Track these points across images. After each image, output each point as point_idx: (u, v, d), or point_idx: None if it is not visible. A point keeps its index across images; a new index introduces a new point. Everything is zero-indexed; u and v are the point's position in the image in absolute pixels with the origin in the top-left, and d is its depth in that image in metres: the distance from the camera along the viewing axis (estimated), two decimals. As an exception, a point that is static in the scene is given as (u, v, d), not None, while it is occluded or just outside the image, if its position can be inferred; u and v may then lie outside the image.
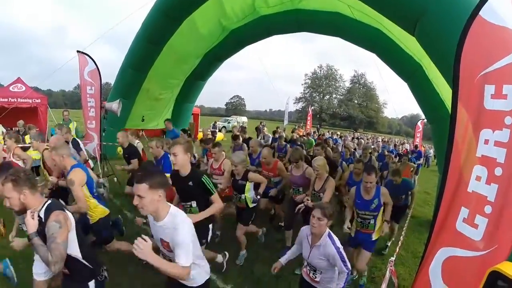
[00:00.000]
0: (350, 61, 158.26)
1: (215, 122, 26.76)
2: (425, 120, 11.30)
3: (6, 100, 13.40)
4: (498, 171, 2.28)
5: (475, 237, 2.36)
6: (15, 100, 13.23)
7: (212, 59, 12.50)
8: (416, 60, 7.77)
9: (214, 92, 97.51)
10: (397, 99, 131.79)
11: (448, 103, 3.53)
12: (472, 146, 2.49)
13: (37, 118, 14.53)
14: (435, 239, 2.72)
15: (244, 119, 41.21)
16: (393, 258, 3.15)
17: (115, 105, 8.82)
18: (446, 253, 2.57)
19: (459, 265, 2.45)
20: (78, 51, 8.76)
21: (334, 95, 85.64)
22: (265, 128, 18.26)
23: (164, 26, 9.37)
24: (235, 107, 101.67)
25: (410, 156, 12.49)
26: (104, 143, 9.27)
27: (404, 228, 6.03)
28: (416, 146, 16.69)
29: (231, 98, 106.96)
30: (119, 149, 7.64)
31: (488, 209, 2.29)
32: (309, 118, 28.04)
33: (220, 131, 25.05)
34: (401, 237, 5.16)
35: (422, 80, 7.66)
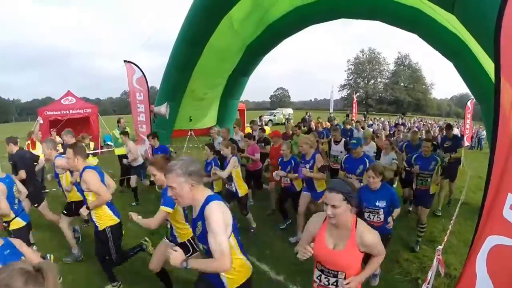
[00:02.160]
0: (393, 42, 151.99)
1: (261, 116, 26.88)
2: (475, 100, 10.79)
3: (59, 113, 14.52)
4: None
5: None
6: (68, 112, 14.27)
7: (253, 54, 12.59)
8: (461, 38, 7.42)
9: (258, 86, 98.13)
10: (445, 79, 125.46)
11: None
12: None
13: (90, 127, 15.54)
14: (482, 227, 2.61)
15: (289, 111, 40.97)
16: (440, 247, 3.15)
17: (163, 109, 9.25)
18: (492, 242, 2.44)
19: (504, 255, 2.32)
20: (125, 61, 9.25)
21: (379, 79, 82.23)
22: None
23: (203, 26, 9.53)
24: (279, 99, 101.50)
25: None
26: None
27: (454, 215, 5.94)
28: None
29: (275, 91, 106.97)
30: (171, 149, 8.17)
31: None
32: (354, 105, 27.36)
33: (266, 124, 25.11)
34: (450, 225, 5.11)
35: (468, 59, 7.35)
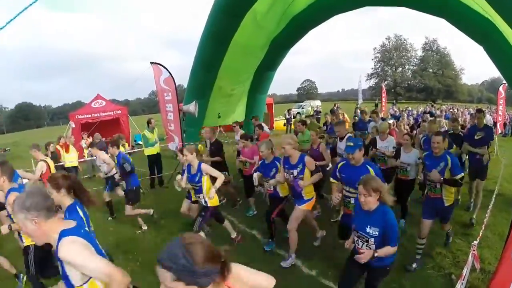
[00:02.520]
0: (419, 27, 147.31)
1: (290, 109, 26.87)
2: (507, 85, 10.38)
3: (90, 116, 15.07)
4: None
5: None
6: (98, 115, 14.80)
7: (278, 48, 12.50)
8: (491, 21, 7.03)
9: (284, 79, 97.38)
10: (475, 63, 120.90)
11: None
12: None
13: (120, 128, 16.04)
14: None
15: (317, 102, 40.65)
16: (475, 242, 3.10)
17: (192, 107, 9.45)
18: None
19: None
20: (151, 62, 9.49)
21: (407, 67, 79.94)
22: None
23: (226, 24, 9.53)
24: (306, 91, 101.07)
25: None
26: (186, 143, 9.95)
27: (489, 207, 5.78)
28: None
29: (302, 83, 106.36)
30: (200, 146, 8.23)
31: None
32: (383, 95, 26.71)
33: (294, 117, 25.03)
34: (486, 217, 4.99)
35: (500, 43, 7.01)
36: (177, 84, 9.68)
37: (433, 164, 4.73)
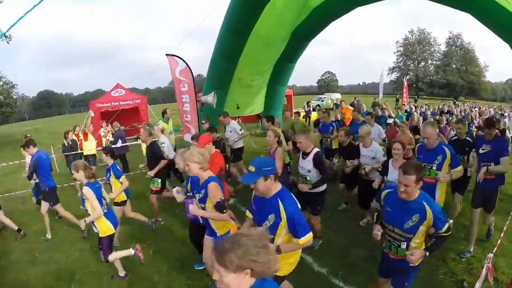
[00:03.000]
0: (443, 21, 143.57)
1: (309, 102, 26.59)
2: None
3: (109, 104, 15.34)
4: None
5: None
6: (118, 104, 15.02)
7: (299, 39, 12.42)
8: None
9: (305, 70, 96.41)
10: (500, 60, 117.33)
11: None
12: None
13: (140, 116, 16.25)
14: None
15: (337, 95, 40.36)
16: (491, 255, 3.00)
17: (210, 98, 9.46)
18: None
19: None
20: (166, 54, 9.53)
21: (429, 61, 77.58)
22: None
23: (246, 15, 9.49)
24: (327, 83, 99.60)
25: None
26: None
27: (510, 215, 5.60)
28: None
29: (322, 75, 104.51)
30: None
31: None
32: (405, 89, 26.15)
33: (314, 110, 24.81)
34: (506, 224, 4.85)
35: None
36: (198, 73, 9.71)
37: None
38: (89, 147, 10.02)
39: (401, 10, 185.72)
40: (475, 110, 21.08)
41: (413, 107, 19.52)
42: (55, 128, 26.81)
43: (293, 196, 3.03)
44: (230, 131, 8.59)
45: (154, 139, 6.86)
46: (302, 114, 23.89)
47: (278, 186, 2.97)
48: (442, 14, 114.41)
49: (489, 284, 4.11)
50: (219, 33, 10.33)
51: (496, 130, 8.31)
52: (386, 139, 7.92)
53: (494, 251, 3.16)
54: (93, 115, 13.59)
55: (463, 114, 18.76)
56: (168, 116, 9.88)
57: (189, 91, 9.40)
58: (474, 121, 13.96)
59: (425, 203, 2.90)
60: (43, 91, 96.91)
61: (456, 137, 6.27)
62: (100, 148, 9.51)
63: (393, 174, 4.72)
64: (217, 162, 5.20)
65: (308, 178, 4.94)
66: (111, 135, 11.83)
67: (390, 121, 9.71)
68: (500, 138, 5.53)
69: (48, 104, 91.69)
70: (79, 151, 9.98)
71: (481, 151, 5.06)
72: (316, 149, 4.93)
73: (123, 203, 5.77)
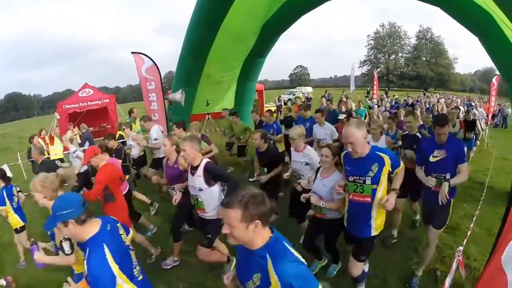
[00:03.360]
0: (414, 15, 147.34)
1: (280, 96, 26.60)
2: (500, 75, 10.29)
3: (77, 105, 14.80)
4: None
5: None
6: (86, 104, 14.52)
7: (269, 34, 12.32)
8: (488, 12, 6.96)
9: (276, 64, 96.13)
10: (468, 52, 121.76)
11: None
12: None
13: (108, 116, 15.77)
14: (508, 229, 2.48)
15: (309, 89, 40.80)
16: (461, 248, 2.93)
17: (178, 96, 9.25)
18: None
19: None
20: (132, 52, 9.26)
21: (400, 54, 79.77)
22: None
23: (215, 8, 9.27)
24: (299, 77, 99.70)
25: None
26: (172, 133, 9.71)
27: (480, 201, 5.68)
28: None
29: (294, 69, 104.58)
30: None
31: None
32: (375, 82, 26.60)
33: (286, 104, 24.82)
34: (477, 212, 4.87)
35: (497, 36, 6.97)
36: (169, 70, 9.50)
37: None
38: (55, 151, 9.64)
39: (373, 4, 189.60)
40: (442, 101, 20.65)
41: (378, 101, 19.33)
42: (23, 132, 25.70)
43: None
44: (156, 138, 7.49)
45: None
46: (273, 109, 23.96)
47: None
48: (413, 8, 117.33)
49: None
50: (188, 27, 10.10)
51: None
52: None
53: (465, 238, 3.10)
54: (58, 117, 13.09)
55: (428, 106, 17.38)
56: (135, 116, 9.57)
57: (156, 90, 9.15)
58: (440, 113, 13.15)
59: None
60: (10, 93, 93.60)
61: (407, 133, 5.51)
62: (67, 152, 9.12)
63: (318, 186, 3.86)
64: (109, 174, 4.44)
65: (200, 200, 4.00)
66: (78, 138, 11.40)
67: (341, 116, 8.39)
68: (454, 140, 4.09)
69: (16, 106, 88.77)
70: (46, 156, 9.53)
71: (431, 159, 3.95)
72: (206, 160, 3.96)
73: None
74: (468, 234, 4.06)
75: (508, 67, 6.84)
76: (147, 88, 9.30)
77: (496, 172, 8.70)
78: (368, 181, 3.16)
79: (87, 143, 9.92)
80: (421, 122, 7.60)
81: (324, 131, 6.78)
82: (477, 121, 9.82)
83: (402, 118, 8.14)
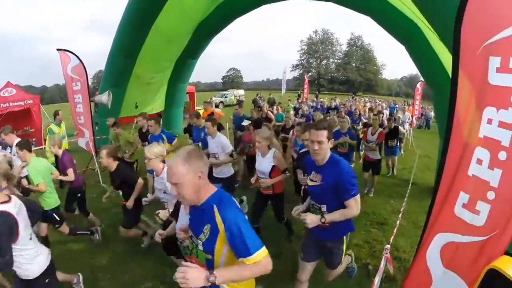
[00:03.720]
0: (346, 23, 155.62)
1: (211, 99, 26.46)
2: (425, 82, 11.01)
3: (-3, 106, 13.36)
4: (502, 155, 2.05)
5: (477, 223, 2.19)
6: (7, 105, 13.18)
7: (202, 35, 12.18)
8: (415, 22, 7.42)
9: (210, 66, 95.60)
10: (395, 60, 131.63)
11: (449, 66, 2.97)
12: (475, 125, 2.23)
13: (32, 119, 14.46)
14: (432, 224, 2.60)
15: (241, 92, 40.79)
16: (388, 246, 2.98)
17: (104, 97, 8.71)
18: (445, 239, 2.44)
19: (461, 250, 2.32)
20: (58, 49, 8.57)
21: (331, 60, 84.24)
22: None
23: (148, 6, 8.96)
24: (232, 80, 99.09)
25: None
26: (98, 137, 9.16)
27: (406, 197, 5.97)
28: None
29: (227, 71, 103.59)
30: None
31: (491, 195, 2.10)
32: (305, 86, 27.48)
33: (217, 106, 24.60)
34: (403, 207, 5.10)
35: (421, 44, 7.38)
36: (99, 69, 8.89)
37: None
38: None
39: (307, 11, 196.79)
40: (367, 105, 20.22)
41: (300, 104, 18.56)
42: None
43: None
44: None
45: None
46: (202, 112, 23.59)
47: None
48: (346, 16, 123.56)
49: (393, 263, 4.26)
50: (118, 25, 9.62)
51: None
52: (245, 145, 7.35)
53: (390, 244, 3.17)
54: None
55: (348, 109, 15.67)
56: (60, 118, 8.79)
57: (82, 90, 8.48)
58: (362, 117, 12.24)
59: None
60: None
61: (305, 150, 4.69)
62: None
63: (183, 219, 2.87)
64: None
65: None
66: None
67: (245, 123, 7.83)
68: (337, 163, 2.87)
69: None
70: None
71: (309, 182, 3.13)
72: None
73: None
74: (396, 228, 4.22)
75: (432, 74, 7.25)
76: (72, 89, 8.61)
77: (420, 169, 9.33)
78: (200, 246, 2.06)
79: (8, 148, 8.99)
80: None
81: (215, 144, 5.54)
82: (399, 127, 9.35)
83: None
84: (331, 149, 2.94)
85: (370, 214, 6.26)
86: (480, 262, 2.15)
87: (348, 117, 7.82)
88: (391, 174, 9.13)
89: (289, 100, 22.69)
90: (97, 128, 9.07)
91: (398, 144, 9.20)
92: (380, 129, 7.40)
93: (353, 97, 40.42)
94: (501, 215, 2.06)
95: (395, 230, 4.20)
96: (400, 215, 4.62)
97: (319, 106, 18.57)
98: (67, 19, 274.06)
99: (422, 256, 2.60)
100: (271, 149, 4.59)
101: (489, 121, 2.13)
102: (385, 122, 9.25)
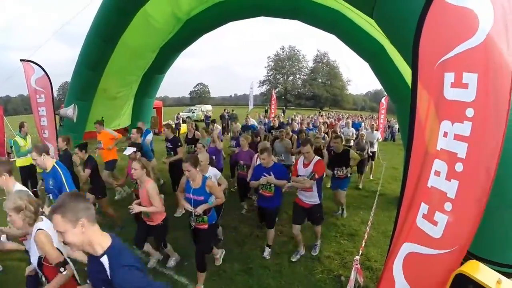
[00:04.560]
0: (313, 40, 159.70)
1: (178, 114, 26.20)
2: (389, 98, 11.39)
3: (-44, 118, 12.62)
4: (459, 167, 2.13)
5: (435, 235, 2.26)
6: (-34, 117, 12.49)
7: (169, 51, 12.12)
8: (378, 41, 7.76)
9: (177, 81, 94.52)
10: (361, 75, 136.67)
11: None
12: (433, 139, 2.33)
13: (-7, 130, 13.74)
14: (398, 234, 2.66)
15: (208, 107, 40.77)
16: (358, 257, 3.06)
17: (70, 111, 8.39)
18: (407, 249, 2.50)
19: (419, 262, 2.38)
20: (21, 60, 8.24)
21: (298, 76, 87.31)
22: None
23: (115, 21, 8.86)
24: (199, 95, 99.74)
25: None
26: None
27: (373, 207, 6.12)
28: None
29: (195, 86, 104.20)
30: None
31: (448, 206, 2.19)
32: (273, 102, 27.80)
33: (184, 122, 24.37)
34: (371, 218, 5.23)
35: (384, 61, 7.71)
36: (66, 80, 8.55)
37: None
38: None
39: (274, 27, 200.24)
40: (329, 121, 19.53)
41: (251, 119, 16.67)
42: None
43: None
44: None
45: None
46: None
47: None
48: (312, 34, 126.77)
49: (365, 273, 4.35)
50: (85, 37, 9.41)
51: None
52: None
53: (359, 255, 3.24)
54: None
55: (313, 123, 15.57)
56: (26, 131, 8.41)
57: (46, 103, 8.13)
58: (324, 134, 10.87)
59: None
60: None
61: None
62: None
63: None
64: None
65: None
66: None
67: (128, 151, 5.99)
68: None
69: None
70: None
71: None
72: None
73: None
74: (366, 239, 4.31)
75: (395, 90, 7.56)
76: (36, 101, 8.24)
77: (387, 180, 9.65)
78: None
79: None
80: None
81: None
82: (351, 150, 6.80)
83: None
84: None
85: (340, 226, 6.37)
86: (438, 276, 2.22)
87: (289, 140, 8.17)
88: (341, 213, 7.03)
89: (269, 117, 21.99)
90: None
91: (347, 174, 6.55)
92: (317, 158, 4.92)
93: (319, 112, 41.33)
94: (457, 227, 2.14)
95: (363, 241, 4.30)
96: (368, 226, 4.74)
97: (265, 122, 16.34)
98: (34, 25, 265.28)
99: (390, 267, 2.65)
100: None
101: (445, 134, 2.23)
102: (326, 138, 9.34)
